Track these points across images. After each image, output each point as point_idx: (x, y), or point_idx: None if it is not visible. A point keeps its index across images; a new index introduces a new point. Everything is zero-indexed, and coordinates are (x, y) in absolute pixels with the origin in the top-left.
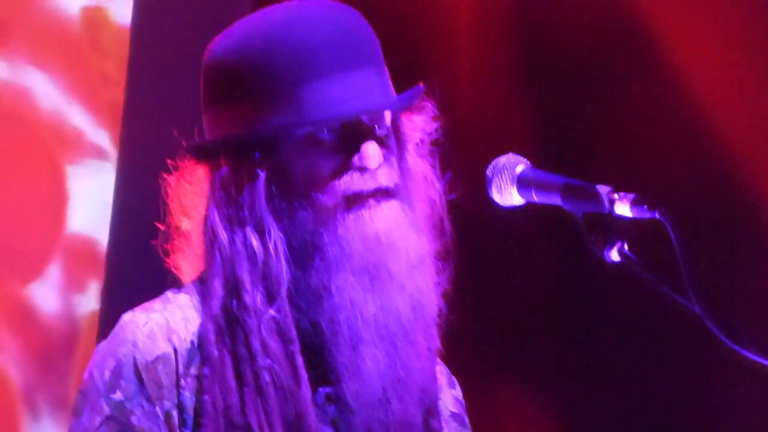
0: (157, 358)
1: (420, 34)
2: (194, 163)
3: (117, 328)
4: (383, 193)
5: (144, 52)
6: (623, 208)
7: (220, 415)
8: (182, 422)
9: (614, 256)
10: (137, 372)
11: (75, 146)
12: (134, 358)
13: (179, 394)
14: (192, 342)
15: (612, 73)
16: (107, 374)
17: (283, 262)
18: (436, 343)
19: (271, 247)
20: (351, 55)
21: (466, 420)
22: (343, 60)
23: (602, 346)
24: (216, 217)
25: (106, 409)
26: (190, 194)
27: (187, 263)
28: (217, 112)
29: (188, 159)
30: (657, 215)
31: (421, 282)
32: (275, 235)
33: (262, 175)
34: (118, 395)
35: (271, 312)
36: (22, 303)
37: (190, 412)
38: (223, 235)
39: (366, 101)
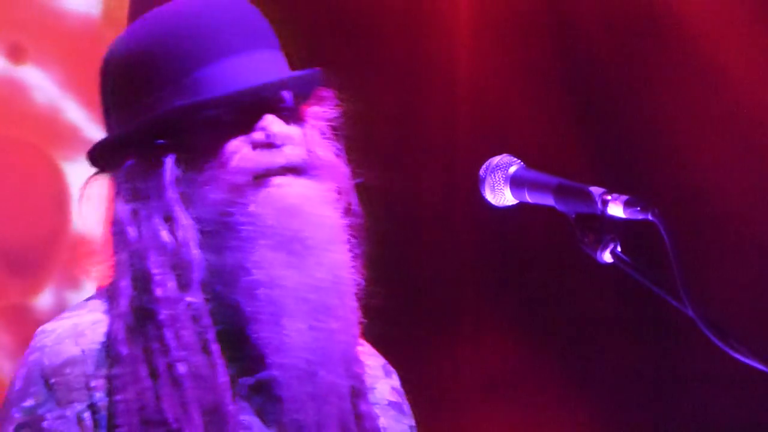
0: (65, 362)
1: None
2: (100, 165)
3: (33, 338)
4: (292, 170)
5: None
6: (616, 210)
7: (134, 414)
8: (96, 423)
9: (607, 257)
10: (45, 377)
11: (71, 141)
12: (42, 363)
13: (90, 396)
14: (101, 343)
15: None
16: (18, 383)
17: (195, 249)
18: (357, 318)
19: (180, 234)
20: (245, 36)
21: (406, 408)
22: (237, 41)
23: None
24: (122, 214)
25: (18, 417)
26: (98, 202)
27: (103, 270)
28: (117, 109)
29: (95, 165)
30: (650, 217)
31: (338, 255)
32: (185, 222)
33: (167, 161)
34: (29, 402)
35: (187, 299)
36: (22, 303)
37: (104, 412)
38: (130, 231)
39: (262, 77)
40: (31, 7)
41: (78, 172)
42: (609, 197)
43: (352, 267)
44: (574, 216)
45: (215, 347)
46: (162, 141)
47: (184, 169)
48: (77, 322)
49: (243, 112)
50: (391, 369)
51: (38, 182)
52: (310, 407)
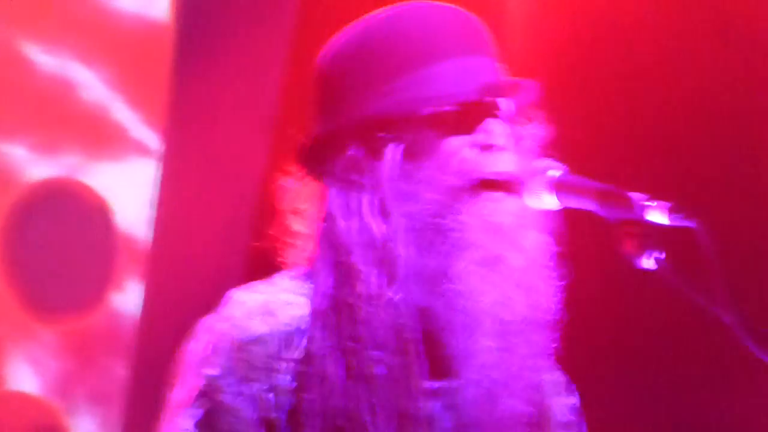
0: (253, 339)
1: None
2: (314, 158)
3: (222, 304)
4: (506, 184)
5: (189, 50)
6: (659, 216)
7: (324, 417)
8: (275, 405)
9: (648, 263)
10: (232, 350)
11: (119, 141)
12: (230, 335)
13: (273, 377)
14: (290, 326)
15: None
16: (205, 348)
17: (403, 246)
18: (550, 345)
19: (392, 229)
20: (468, 41)
21: (583, 429)
22: (462, 45)
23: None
24: (334, 207)
25: (201, 383)
26: (301, 195)
27: (297, 261)
28: (338, 101)
29: (306, 157)
30: (693, 224)
31: (538, 281)
32: (397, 218)
33: (387, 154)
34: (213, 371)
35: (389, 295)
36: (62, 299)
37: (286, 395)
38: (341, 224)
39: (488, 81)
40: (80, 5)
41: (125, 171)
42: (652, 203)
43: (551, 294)
44: (616, 222)
45: (414, 348)
46: (385, 134)
47: (403, 164)
48: (269, 300)
49: (466, 112)
50: (572, 387)
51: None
52: (486, 428)
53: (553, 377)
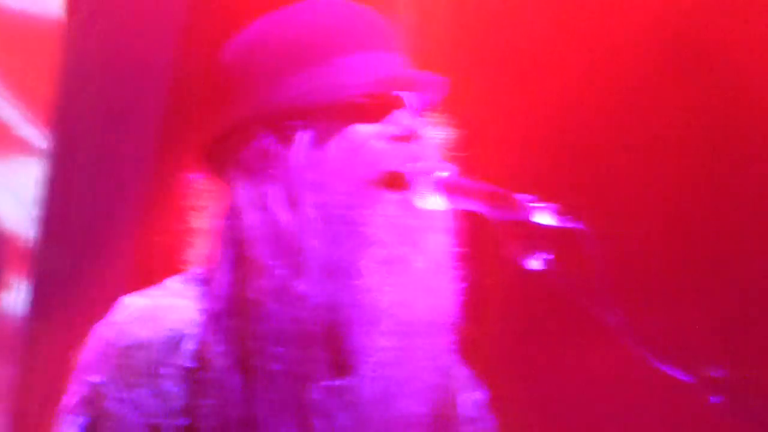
0: (138, 344)
1: None
2: (218, 150)
3: (112, 310)
4: (413, 179)
5: (79, 47)
6: (546, 217)
7: (224, 424)
8: (165, 411)
9: (534, 264)
10: (114, 356)
11: (3, 140)
12: (115, 342)
13: (159, 383)
14: (174, 330)
15: None
16: (90, 355)
17: (312, 237)
18: (450, 345)
19: (300, 220)
20: (379, 36)
21: (489, 423)
22: (372, 39)
23: None
24: (242, 197)
25: (84, 390)
26: (204, 191)
27: (196, 261)
28: (245, 92)
29: (210, 150)
30: (580, 226)
31: (440, 283)
32: (306, 208)
33: (296, 142)
34: (95, 377)
35: (296, 288)
36: None
37: (172, 401)
38: (247, 216)
39: (399, 72)
40: None
41: (9, 170)
42: (537, 205)
43: (452, 296)
44: (502, 223)
45: (316, 343)
46: (294, 122)
47: (312, 152)
48: (155, 304)
49: (374, 103)
50: (476, 382)
51: None
52: (382, 427)
53: (458, 373)
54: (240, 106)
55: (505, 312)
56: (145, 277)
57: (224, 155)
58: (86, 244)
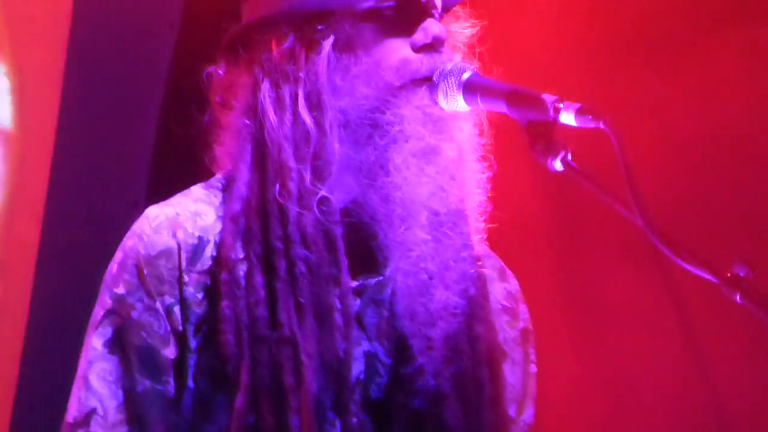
0: (160, 253)
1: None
2: (245, 45)
3: (137, 220)
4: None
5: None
6: (568, 117)
7: (243, 325)
8: (185, 318)
9: (557, 165)
10: (139, 266)
11: None
12: (137, 252)
13: (182, 290)
14: (199, 237)
15: None
16: (114, 267)
17: (338, 141)
18: (481, 234)
19: (326, 124)
20: None
21: (520, 313)
22: None
23: None
24: (265, 100)
25: (109, 302)
26: (232, 86)
27: (224, 158)
28: None
29: (236, 44)
30: (602, 125)
31: (471, 174)
32: (332, 112)
33: (324, 46)
34: (120, 289)
35: (321, 191)
36: None
37: (194, 308)
38: (272, 116)
39: None
40: None
41: None
42: (561, 105)
43: (482, 188)
44: (526, 123)
45: (341, 245)
46: (323, 26)
47: (339, 58)
48: (179, 212)
49: (405, 9)
50: (509, 272)
51: None
52: (421, 323)
53: (490, 263)
54: (265, 2)
55: (533, 210)
56: (167, 180)
57: (248, 52)
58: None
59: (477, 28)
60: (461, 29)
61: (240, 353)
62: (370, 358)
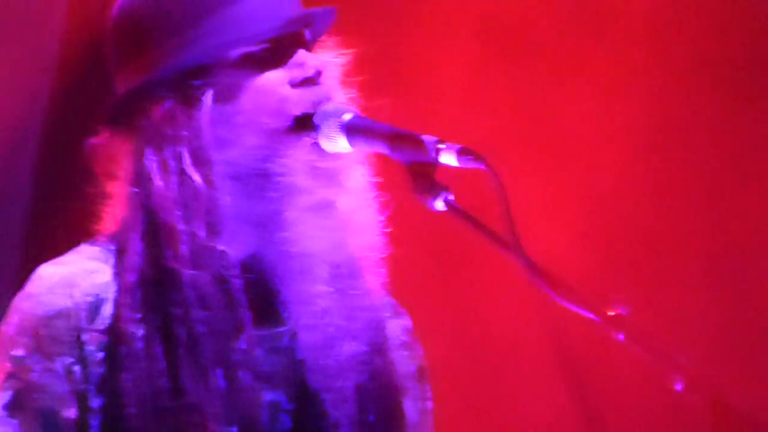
0: (57, 313)
1: None
2: (122, 116)
3: (29, 281)
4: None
5: None
6: (449, 158)
7: (146, 397)
8: (85, 378)
9: (439, 205)
10: (35, 327)
11: None
12: (34, 313)
13: (81, 349)
14: (95, 295)
15: None
16: (10, 329)
17: (228, 194)
18: (382, 283)
19: (215, 178)
20: None
21: (416, 349)
22: None
23: None
24: (152, 162)
25: (8, 366)
26: (114, 156)
27: (108, 225)
28: (141, 55)
29: (114, 117)
30: (482, 166)
31: (365, 220)
32: (219, 166)
33: (204, 101)
34: (19, 351)
35: (216, 246)
36: None
37: (95, 368)
38: (158, 181)
39: (290, 14)
40: None
41: None
42: (442, 146)
43: (378, 233)
44: (408, 164)
45: (242, 298)
46: (198, 82)
47: (221, 109)
48: (73, 271)
49: (275, 48)
50: (402, 309)
51: None
52: (332, 376)
53: (385, 302)
54: (137, 68)
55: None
56: (56, 246)
57: (127, 120)
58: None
59: (349, 57)
60: (334, 59)
61: (145, 426)
62: (273, 407)
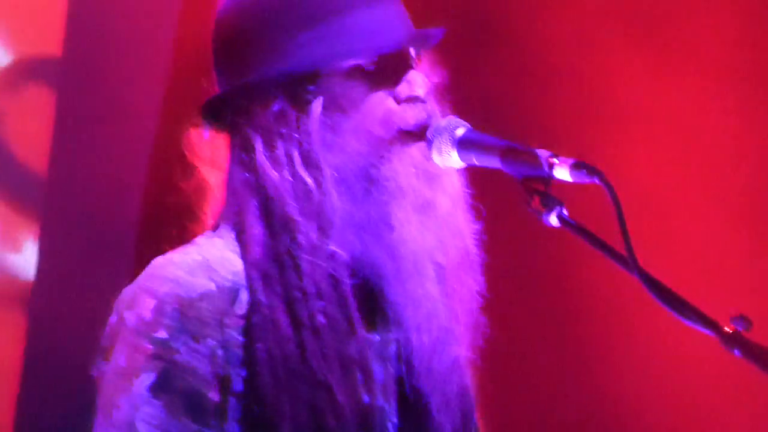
0: (201, 296)
1: None
2: (228, 110)
3: (150, 269)
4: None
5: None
6: (563, 173)
7: (278, 364)
8: (227, 361)
9: (553, 220)
10: (181, 309)
11: None
12: (177, 295)
13: (224, 332)
14: (233, 281)
15: None
16: (147, 314)
17: (337, 197)
18: (480, 286)
19: (324, 181)
20: None
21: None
22: None
23: None
24: (262, 159)
25: (150, 348)
26: (215, 146)
27: (212, 214)
28: (247, 55)
29: (218, 110)
30: (597, 180)
31: (463, 224)
32: (327, 169)
33: (314, 106)
34: (162, 333)
35: (328, 246)
36: None
37: (236, 350)
38: (272, 174)
39: (403, 32)
40: None
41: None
42: (556, 160)
43: (474, 236)
44: (521, 179)
45: (352, 301)
46: (311, 87)
47: (329, 117)
48: (207, 257)
49: (387, 65)
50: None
51: None
52: (438, 380)
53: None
54: (248, 66)
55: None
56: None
57: (236, 115)
58: (93, 203)
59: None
60: (437, 74)
61: (278, 396)
62: (381, 413)
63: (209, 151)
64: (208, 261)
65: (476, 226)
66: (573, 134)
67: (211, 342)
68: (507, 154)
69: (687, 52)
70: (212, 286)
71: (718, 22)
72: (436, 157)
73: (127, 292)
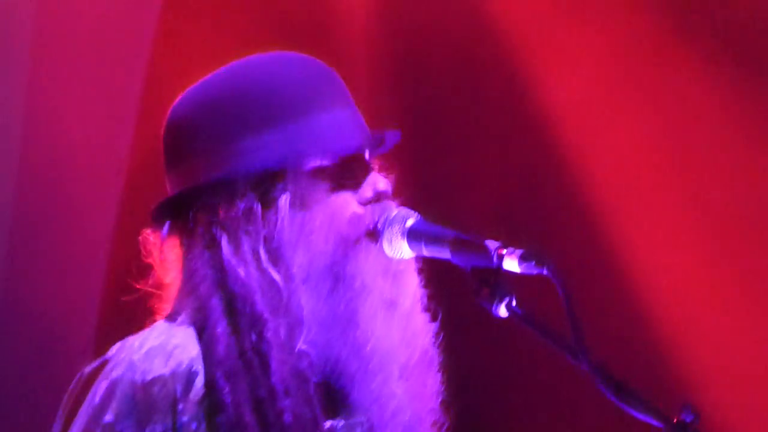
0: (154, 380)
1: None
2: (192, 206)
3: (108, 354)
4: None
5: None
6: (512, 264)
7: None
8: None
9: (502, 311)
10: (131, 393)
11: None
12: (129, 379)
13: (175, 419)
14: (187, 367)
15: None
16: (97, 397)
17: (304, 294)
18: (440, 383)
19: (292, 278)
20: (338, 92)
21: None
22: (334, 95)
23: None
24: (228, 254)
25: (97, 431)
26: (170, 247)
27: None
28: (215, 153)
29: (177, 208)
30: (545, 272)
31: (422, 323)
32: (296, 267)
33: (282, 205)
34: (108, 417)
35: (297, 344)
36: None
37: None
38: (239, 271)
39: (361, 134)
40: None
41: None
42: (504, 251)
43: (432, 335)
44: (470, 269)
45: (317, 399)
46: (275, 185)
47: (295, 215)
48: (164, 343)
49: (349, 166)
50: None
51: None
52: None
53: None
54: (209, 164)
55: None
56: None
57: (198, 212)
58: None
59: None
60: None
61: None
62: None
63: (164, 250)
64: (166, 345)
65: (433, 325)
66: None
67: (158, 428)
68: (456, 245)
69: None
70: (166, 371)
71: None
72: (387, 247)
73: (83, 373)
